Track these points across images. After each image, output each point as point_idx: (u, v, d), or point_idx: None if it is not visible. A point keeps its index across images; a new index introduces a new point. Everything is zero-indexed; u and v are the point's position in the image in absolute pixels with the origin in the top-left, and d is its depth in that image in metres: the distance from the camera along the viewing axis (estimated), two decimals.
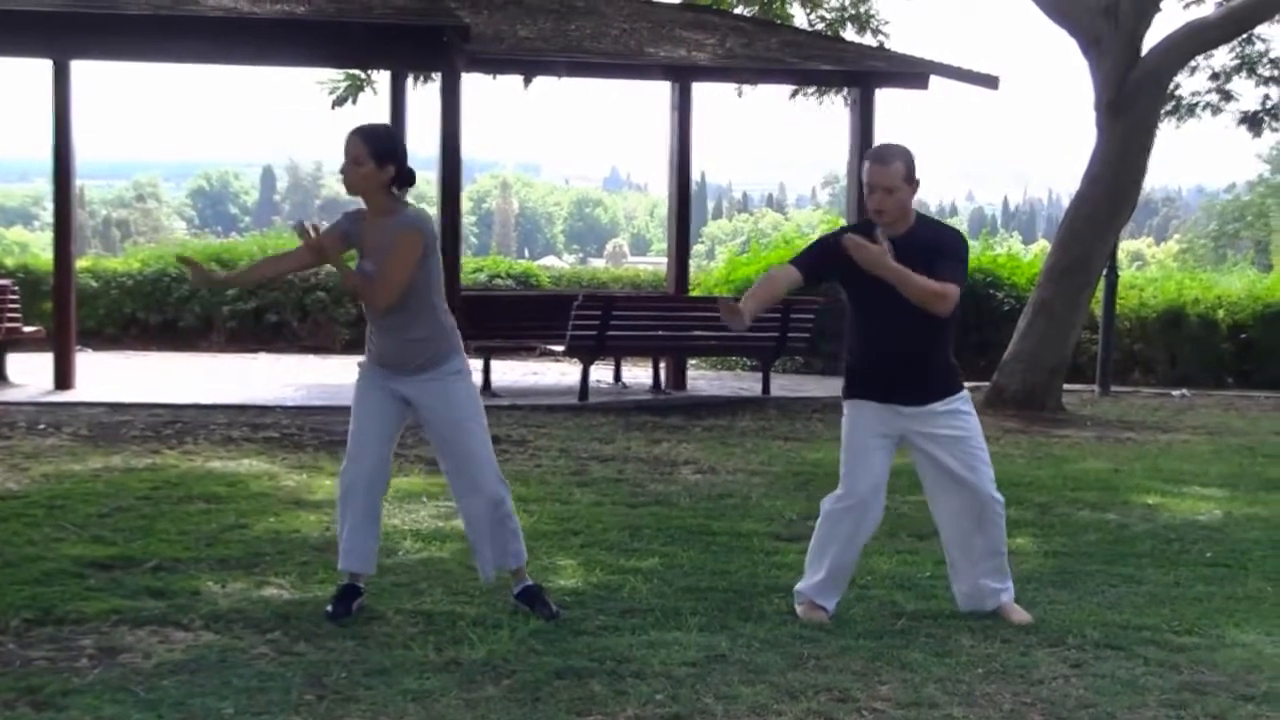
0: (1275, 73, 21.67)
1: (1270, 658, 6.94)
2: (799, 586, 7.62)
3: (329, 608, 7.25)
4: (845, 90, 19.93)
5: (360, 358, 7.53)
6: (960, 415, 7.50)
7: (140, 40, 16.20)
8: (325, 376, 19.25)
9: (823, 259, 7.39)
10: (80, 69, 17.03)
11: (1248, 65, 21.66)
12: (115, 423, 14.07)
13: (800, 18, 23.49)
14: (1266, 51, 21.63)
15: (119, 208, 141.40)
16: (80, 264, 22.64)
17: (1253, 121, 21.77)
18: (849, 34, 23.03)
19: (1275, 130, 22.04)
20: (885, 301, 7.25)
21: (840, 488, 7.57)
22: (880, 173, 7.29)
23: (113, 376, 18.40)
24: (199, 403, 15.69)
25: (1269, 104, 21.72)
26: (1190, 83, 21.82)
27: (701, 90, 19.45)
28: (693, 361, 21.46)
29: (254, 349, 23.32)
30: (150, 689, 6.01)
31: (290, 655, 6.56)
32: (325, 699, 5.96)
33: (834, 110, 21.90)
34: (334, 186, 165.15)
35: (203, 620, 7.08)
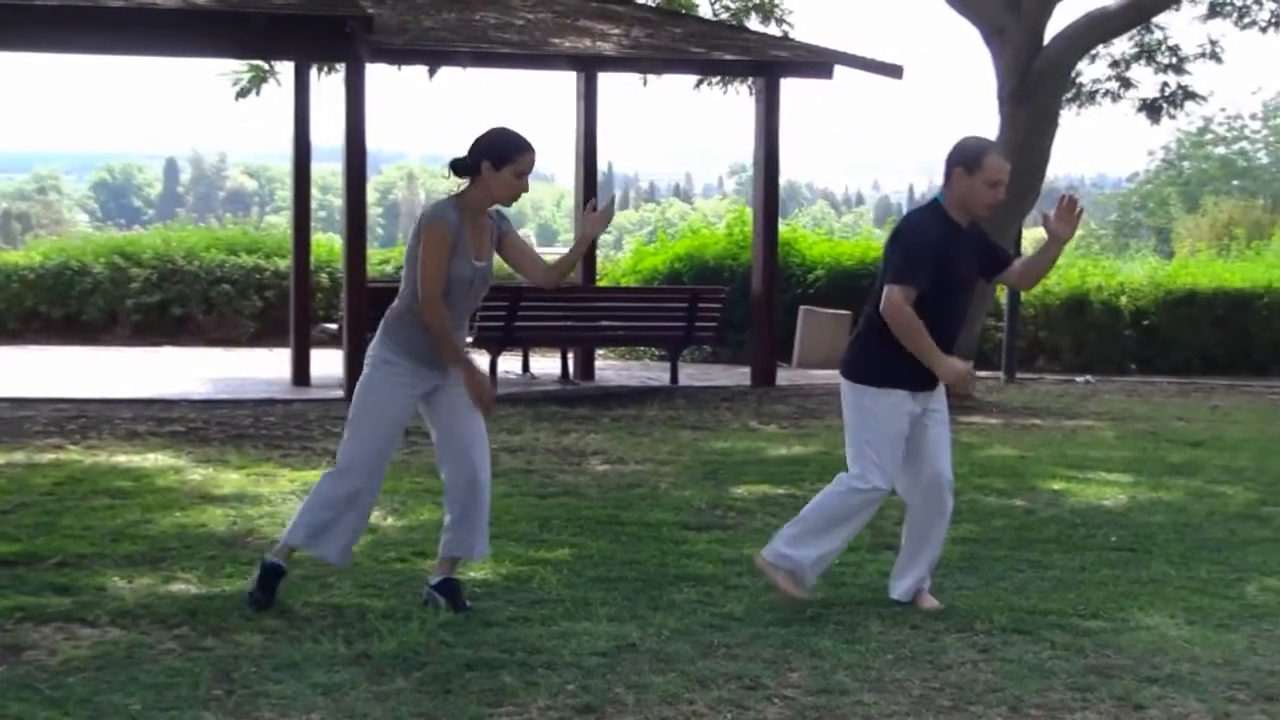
0: (1173, 60, 21.88)
1: (1174, 640, 7.02)
2: (795, 554, 7.44)
3: (254, 592, 7.25)
4: (750, 80, 19.96)
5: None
6: (944, 397, 7.64)
7: (40, 32, 16.00)
8: (231, 370, 19.13)
9: (934, 261, 7.26)
10: None
11: (1147, 53, 21.84)
12: (18, 418, 13.92)
13: (705, 8, 23.48)
14: (1165, 39, 21.83)
15: (19, 200, 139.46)
16: None
17: (1151, 109, 21.95)
18: (753, 24, 23.04)
19: (1173, 117, 22.26)
20: (958, 286, 7.39)
21: (872, 472, 7.39)
22: (1007, 170, 7.41)
23: (15, 371, 18.22)
24: (103, 397, 15.56)
25: (1167, 91, 21.93)
26: (1090, 70, 21.98)
27: (607, 80, 19.47)
28: (600, 351, 21.45)
29: (159, 342, 23.13)
30: (56, 686, 5.96)
31: (198, 650, 6.51)
32: (234, 694, 5.93)
33: (739, 100, 21.90)
34: (238, 178, 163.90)
35: (109, 616, 7.02)
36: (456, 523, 7.40)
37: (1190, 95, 21.84)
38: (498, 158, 7.22)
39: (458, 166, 7.31)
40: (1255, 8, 22.17)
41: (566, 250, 7.87)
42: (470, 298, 7.36)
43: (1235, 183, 64.07)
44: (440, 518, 8.42)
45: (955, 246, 7.35)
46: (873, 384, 7.43)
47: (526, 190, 7.39)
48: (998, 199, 7.39)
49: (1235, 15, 22.24)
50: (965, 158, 7.37)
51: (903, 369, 7.36)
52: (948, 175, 7.42)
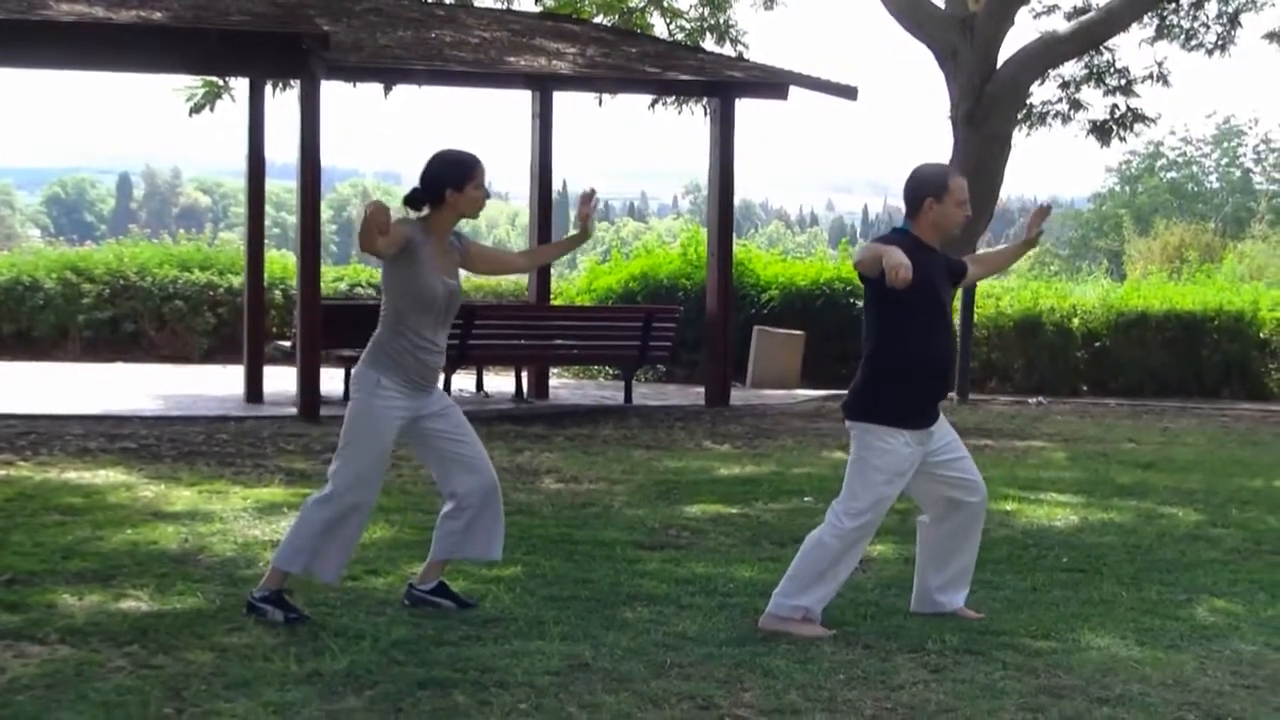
0: (1122, 82, 22.04)
1: (1125, 660, 7.05)
2: (801, 602, 7.45)
3: (291, 614, 7.31)
4: (705, 100, 20.00)
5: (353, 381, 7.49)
6: (946, 424, 7.75)
7: None
8: (183, 386, 19.05)
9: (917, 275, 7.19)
10: None
11: (1096, 75, 22.00)
12: None
13: (660, 28, 23.56)
14: (1113, 62, 21.99)
15: None
16: None
17: (1100, 131, 22.11)
18: (709, 44, 23.14)
19: (1123, 139, 22.43)
20: (941, 309, 7.48)
21: (861, 513, 7.43)
22: (966, 185, 7.62)
23: None
24: (54, 413, 15.47)
25: (1116, 113, 22.07)
26: (1040, 91, 22.12)
27: (562, 99, 19.46)
28: (555, 370, 21.45)
29: (110, 358, 23.02)
30: (4, 705, 5.92)
31: (149, 668, 6.48)
32: (185, 712, 5.90)
33: (694, 120, 21.96)
34: (192, 194, 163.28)
35: (58, 634, 6.98)
36: (468, 526, 7.63)
37: (1139, 117, 22.02)
38: (459, 180, 7.45)
39: (418, 199, 7.47)
40: (1202, 30, 22.39)
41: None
42: (446, 316, 7.54)
43: (1185, 205, 64.58)
44: (389, 535, 8.39)
45: (930, 268, 7.40)
46: (882, 422, 7.42)
47: (489, 197, 7.71)
48: (968, 214, 7.64)
49: (1182, 38, 22.46)
50: (933, 187, 7.47)
51: (912, 402, 7.42)
52: (916, 205, 7.47)
